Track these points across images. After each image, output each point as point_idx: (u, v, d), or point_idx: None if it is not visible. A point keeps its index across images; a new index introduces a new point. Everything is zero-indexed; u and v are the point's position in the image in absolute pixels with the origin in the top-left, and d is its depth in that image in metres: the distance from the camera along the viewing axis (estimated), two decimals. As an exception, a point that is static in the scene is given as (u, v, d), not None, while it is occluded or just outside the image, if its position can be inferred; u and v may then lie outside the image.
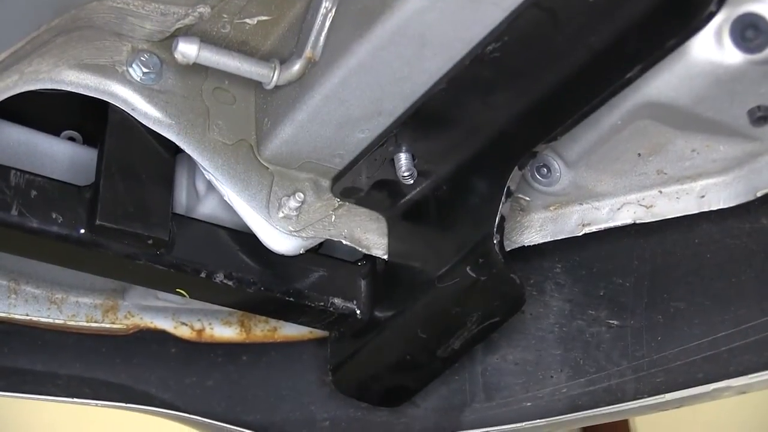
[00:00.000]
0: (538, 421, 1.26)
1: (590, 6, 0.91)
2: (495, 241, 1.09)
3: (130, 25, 1.08)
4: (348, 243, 1.23)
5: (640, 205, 1.18)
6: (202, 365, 1.47)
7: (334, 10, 1.04)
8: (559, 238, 1.24)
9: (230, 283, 1.20)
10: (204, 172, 1.15)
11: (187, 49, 1.05)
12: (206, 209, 1.27)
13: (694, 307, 1.15)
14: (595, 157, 1.14)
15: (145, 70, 1.09)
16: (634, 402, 1.18)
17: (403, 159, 1.12)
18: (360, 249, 1.24)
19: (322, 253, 1.31)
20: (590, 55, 0.96)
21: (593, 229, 1.22)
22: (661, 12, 0.90)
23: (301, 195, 1.17)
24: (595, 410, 1.22)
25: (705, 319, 1.14)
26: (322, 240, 1.23)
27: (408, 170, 1.12)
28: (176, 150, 1.16)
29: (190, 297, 1.24)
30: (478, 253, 1.11)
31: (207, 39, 1.09)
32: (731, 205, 1.12)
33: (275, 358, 1.48)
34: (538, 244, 1.25)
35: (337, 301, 1.27)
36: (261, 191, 1.16)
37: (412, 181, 1.15)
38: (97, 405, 1.41)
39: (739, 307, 1.11)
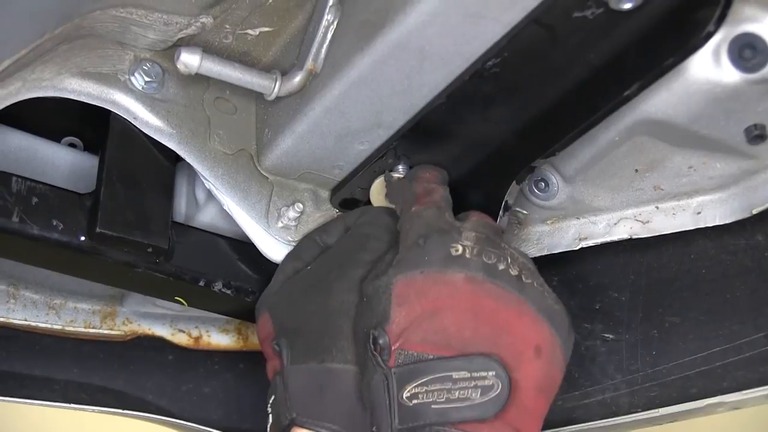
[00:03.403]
0: (533, 433, 1.27)
1: (590, 23, 0.92)
2: (492, 255, 1.10)
3: (133, 35, 1.08)
4: (346, 254, 1.24)
5: (637, 220, 1.19)
6: (199, 372, 1.48)
7: (335, 23, 1.05)
8: (556, 251, 1.25)
9: (229, 291, 1.21)
10: (204, 181, 1.15)
11: (190, 59, 1.05)
12: (206, 218, 1.28)
13: (688, 322, 1.15)
14: (593, 172, 1.15)
15: (147, 79, 1.10)
16: (628, 416, 1.18)
17: (401, 171, 1.13)
18: (358, 260, 1.25)
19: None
20: (589, 72, 0.96)
21: (590, 243, 1.22)
22: (660, 31, 0.91)
23: (301, 205, 1.18)
24: (589, 423, 1.22)
25: (699, 334, 1.14)
26: (320, 250, 1.23)
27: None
28: (177, 158, 1.16)
29: (189, 305, 1.25)
30: (476, 266, 1.11)
31: (209, 49, 1.09)
32: (727, 221, 1.12)
33: (272, 367, 1.48)
34: (535, 257, 1.25)
35: None
36: (260, 201, 1.17)
37: None
38: (93, 411, 1.41)
39: (734, 322, 1.11)
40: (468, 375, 0.91)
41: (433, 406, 0.91)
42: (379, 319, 0.97)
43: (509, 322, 0.94)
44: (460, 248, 0.97)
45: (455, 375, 0.92)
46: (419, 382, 0.92)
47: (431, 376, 0.92)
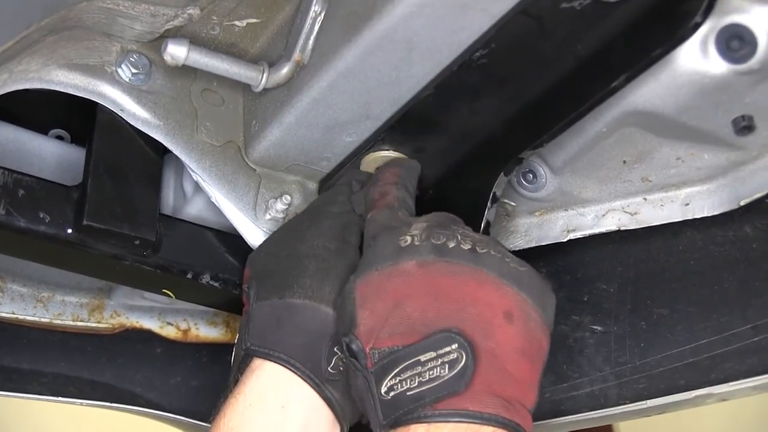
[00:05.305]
0: (521, 425, 1.27)
1: (578, 14, 0.92)
2: (480, 246, 1.10)
3: (120, 26, 1.08)
4: (334, 246, 1.24)
5: (625, 211, 1.19)
6: (187, 365, 1.47)
7: (323, 14, 1.05)
8: (544, 243, 1.25)
9: (216, 284, 1.21)
10: (191, 173, 1.15)
11: (177, 51, 1.05)
12: (193, 210, 1.27)
13: (677, 314, 1.15)
14: (581, 163, 1.15)
15: (134, 70, 1.09)
16: (617, 408, 1.18)
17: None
18: (346, 252, 1.25)
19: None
20: (577, 63, 0.96)
21: (578, 235, 1.22)
22: (648, 21, 0.91)
23: (288, 197, 1.18)
24: (577, 415, 1.22)
25: (687, 325, 1.14)
26: (308, 242, 1.23)
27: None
28: (164, 151, 1.16)
29: (177, 298, 1.24)
30: (464, 258, 1.11)
31: (196, 41, 1.09)
32: (715, 213, 1.13)
33: (260, 359, 1.48)
34: (523, 249, 1.25)
35: None
36: (248, 193, 1.17)
37: None
38: (81, 404, 1.41)
39: (722, 314, 1.11)
40: (434, 354, 0.92)
41: (408, 393, 0.92)
42: (348, 325, 0.99)
43: (469, 294, 0.95)
44: (409, 238, 0.98)
45: (423, 358, 0.93)
46: (392, 374, 0.93)
47: (402, 365, 0.93)
